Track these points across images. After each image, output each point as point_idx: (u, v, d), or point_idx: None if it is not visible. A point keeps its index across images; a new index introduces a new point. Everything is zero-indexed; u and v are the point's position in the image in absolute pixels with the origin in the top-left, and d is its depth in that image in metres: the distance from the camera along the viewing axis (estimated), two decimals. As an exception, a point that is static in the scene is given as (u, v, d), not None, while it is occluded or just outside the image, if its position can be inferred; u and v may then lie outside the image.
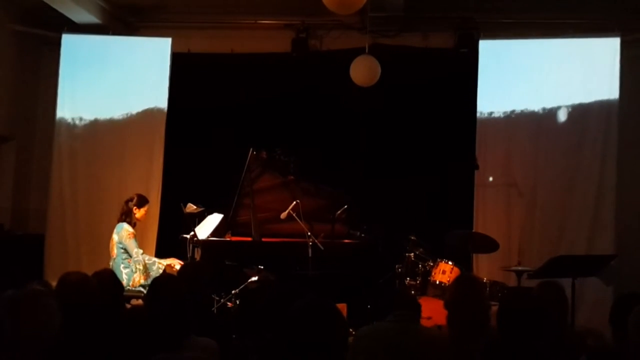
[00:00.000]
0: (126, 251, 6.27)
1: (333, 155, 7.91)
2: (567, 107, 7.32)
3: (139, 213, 6.47)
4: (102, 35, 7.86)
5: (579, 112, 7.29)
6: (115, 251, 6.31)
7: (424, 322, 3.73)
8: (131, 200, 6.50)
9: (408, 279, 6.51)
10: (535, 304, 3.05)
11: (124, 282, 6.02)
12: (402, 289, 6.15)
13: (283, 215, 6.60)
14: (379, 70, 7.21)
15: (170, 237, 7.00)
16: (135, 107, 7.81)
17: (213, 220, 6.66)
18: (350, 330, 5.28)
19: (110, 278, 3.76)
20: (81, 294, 3.38)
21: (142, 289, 6.04)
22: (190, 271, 4.30)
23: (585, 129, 7.27)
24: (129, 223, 6.39)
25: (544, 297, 3.42)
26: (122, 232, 6.30)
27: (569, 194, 7.22)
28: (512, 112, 7.43)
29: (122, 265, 6.21)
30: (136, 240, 6.36)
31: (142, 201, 6.52)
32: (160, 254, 6.72)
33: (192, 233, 6.43)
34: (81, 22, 7.81)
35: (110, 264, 6.32)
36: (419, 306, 3.51)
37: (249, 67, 8.10)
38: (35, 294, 2.74)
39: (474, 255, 7.06)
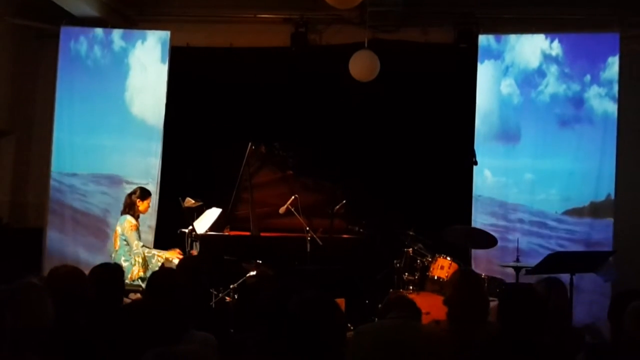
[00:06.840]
0: (128, 243, 6.30)
1: (332, 150, 7.89)
2: (566, 101, 7.32)
3: (142, 205, 6.52)
4: (100, 29, 7.84)
5: (578, 106, 7.29)
6: (118, 243, 6.36)
7: (423, 318, 3.73)
8: (134, 193, 6.57)
9: (406, 274, 6.50)
10: (537, 300, 3.05)
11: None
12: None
13: (282, 210, 6.60)
14: (378, 65, 7.20)
15: (169, 231, 7.00)
16: (133, 100, 7.79)
17: (212, 215, 6.65)
18: (349, 325, 5.30)
19: (108, 274, 3.71)
20: (70, 287, 3.37)
21: (140, 282, 6.05)
22: (188, 265, 4.30)
23: (585, 124, 7.27)
24: (132, 215, 6.44)
25: (546, 293, 3.42)
26: (125, 224, 6.35)
27: (568, 189, 7.23)
28: (510, 107, 7.42)
29: (123, 258, 6.24)
30: (138, 232, 6.41)
31: (144, 194, 6.57)
32: (158, 248, 6.71)
33: (190, 227, 6.44)
34: (80, 16, 7.79)
35: (113, 255, 6.38)
36: (419, 311, 3.51)
37: (248, 62, 8.09)
38: (27, 287, 2.74)
39: (472, 250, 7.06)
